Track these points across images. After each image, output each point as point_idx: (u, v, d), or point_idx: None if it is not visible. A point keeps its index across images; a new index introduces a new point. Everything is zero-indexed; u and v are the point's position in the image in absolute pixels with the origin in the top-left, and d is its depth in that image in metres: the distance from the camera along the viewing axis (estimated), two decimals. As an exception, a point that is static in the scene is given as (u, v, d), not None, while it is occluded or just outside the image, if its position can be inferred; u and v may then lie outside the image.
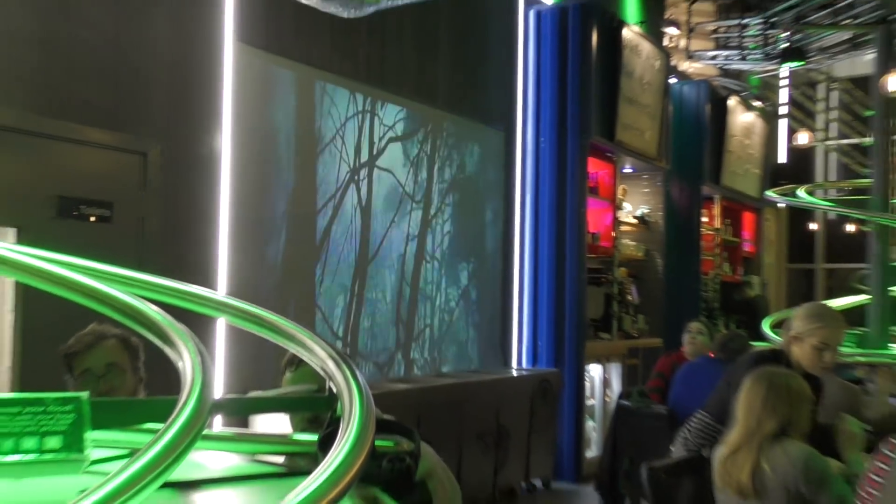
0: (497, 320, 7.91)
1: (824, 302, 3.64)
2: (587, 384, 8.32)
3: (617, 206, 8.99)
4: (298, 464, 1.64)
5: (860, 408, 4.91)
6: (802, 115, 14.43)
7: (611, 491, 6.10)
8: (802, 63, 9.28)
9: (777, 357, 3.60)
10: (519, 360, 8.10)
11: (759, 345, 7.26)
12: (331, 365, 1.45)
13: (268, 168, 5.64)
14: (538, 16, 8.28)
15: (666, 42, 11.32)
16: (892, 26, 7.87)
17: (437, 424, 6.00)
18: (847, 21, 8.96)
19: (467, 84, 7.55)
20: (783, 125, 15.75)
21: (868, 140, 10.16)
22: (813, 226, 16.19)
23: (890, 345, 7.39)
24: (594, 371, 8.50)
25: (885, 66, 7.60)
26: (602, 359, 8.58)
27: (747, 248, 12.75)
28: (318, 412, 1.67)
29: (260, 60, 5.52)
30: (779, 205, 14.11)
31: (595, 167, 8.73)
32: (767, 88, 14.68)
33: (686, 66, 11.97)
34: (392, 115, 6.72)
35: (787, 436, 3.15)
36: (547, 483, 7.74)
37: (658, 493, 3.28)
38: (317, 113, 6.02)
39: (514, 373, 7.75)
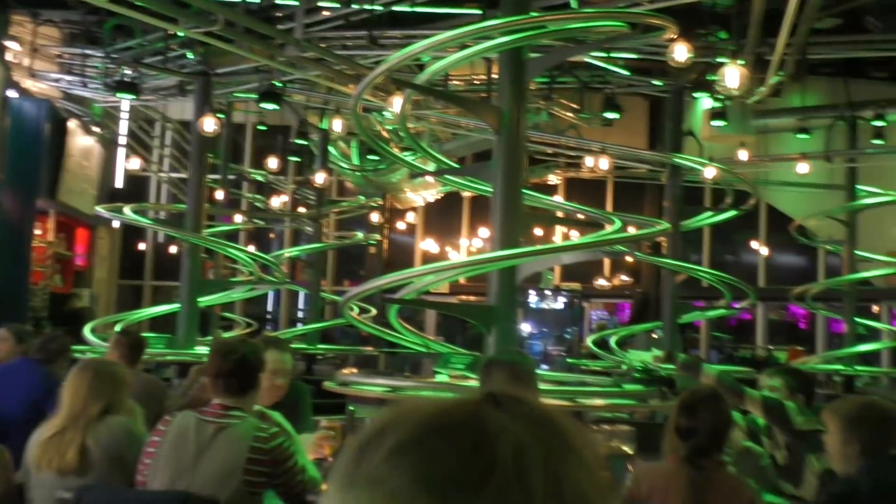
0: None
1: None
2: None
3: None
4: None
5: (164, 400, 5.20)
6: (140, 147, 14.65)
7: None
8: (135, 97, 9.45)
9: None
10: None
11: (81, 348, 7.20)
12: None
13: None
14: None
15: (9, 57, 10.60)
16: (209, 78, 8.52)
17: None
18: (176, 69, 9.40)
19: None
20: (122, 153, 15.78)
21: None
22: (143, 245, 16.44)
23: (196, 347, 7.91)
24: None
25: (202, 110, 8.17)
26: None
27: (80, 262, 12.52)
28: None
29: None
30: (114, 224, 14.09)
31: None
32: (109, 118, 14.58)
33: (29, 84, 11.33)
34: None
35: (110, 414, 3.25)
36: None
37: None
38: None
39: None
